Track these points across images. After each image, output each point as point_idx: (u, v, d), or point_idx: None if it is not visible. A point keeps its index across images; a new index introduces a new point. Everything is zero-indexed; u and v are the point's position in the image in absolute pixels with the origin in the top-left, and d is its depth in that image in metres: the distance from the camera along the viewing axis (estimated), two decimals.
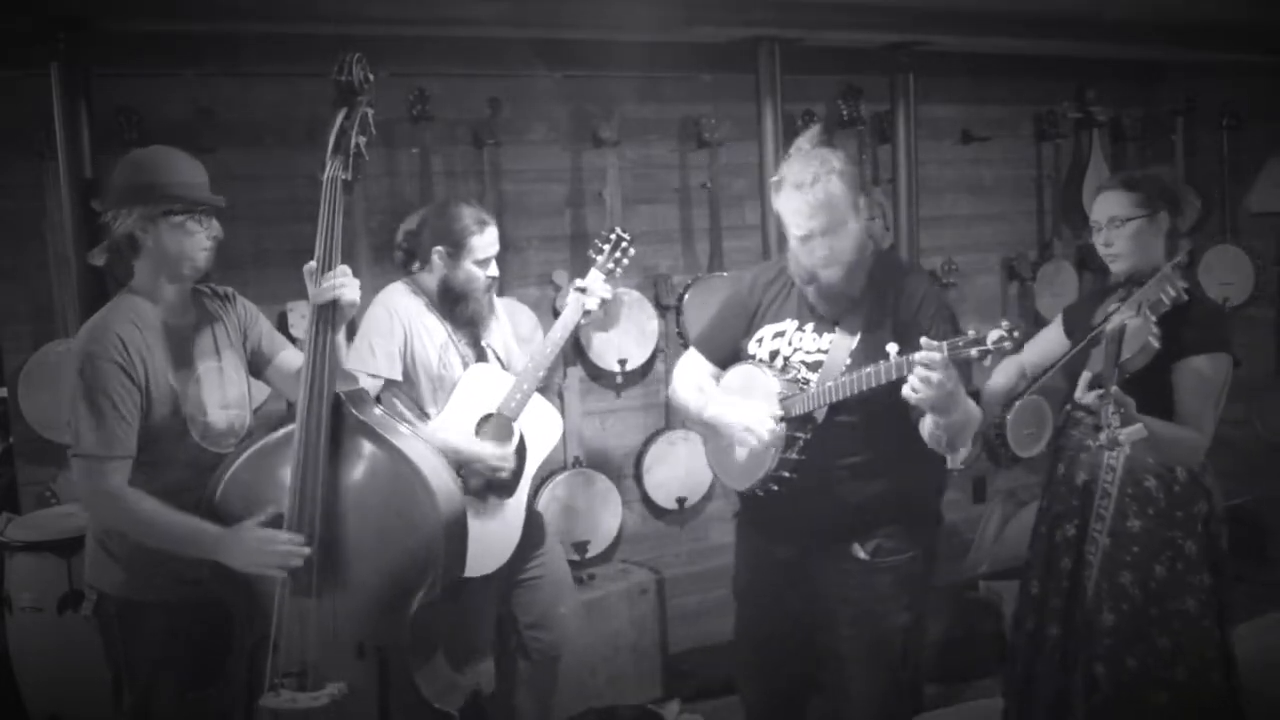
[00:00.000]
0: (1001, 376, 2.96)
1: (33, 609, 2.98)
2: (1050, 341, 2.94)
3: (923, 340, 2.18)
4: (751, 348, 2.67)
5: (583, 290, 3.08)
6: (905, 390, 2.20)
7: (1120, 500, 2.67)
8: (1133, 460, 2.64)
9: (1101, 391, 2.36)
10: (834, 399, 2.43)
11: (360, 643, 2.24)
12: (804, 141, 2.54)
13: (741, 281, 2.81)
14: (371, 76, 2.21)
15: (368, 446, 2.25)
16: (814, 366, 2.55)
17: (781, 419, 2.50)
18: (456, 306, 2.94)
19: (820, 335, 2.58)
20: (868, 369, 2.35)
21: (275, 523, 2.23)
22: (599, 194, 3.94)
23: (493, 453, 2.90)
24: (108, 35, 3.06)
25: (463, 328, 2.98)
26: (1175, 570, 2.64)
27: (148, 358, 2.29)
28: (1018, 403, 2.93)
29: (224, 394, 2.43)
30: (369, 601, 2.23)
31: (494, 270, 2.98)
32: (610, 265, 3.15)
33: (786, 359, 2.60)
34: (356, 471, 2.24)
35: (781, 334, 2.63)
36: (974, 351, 2.15)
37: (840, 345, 2.53)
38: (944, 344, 2.16)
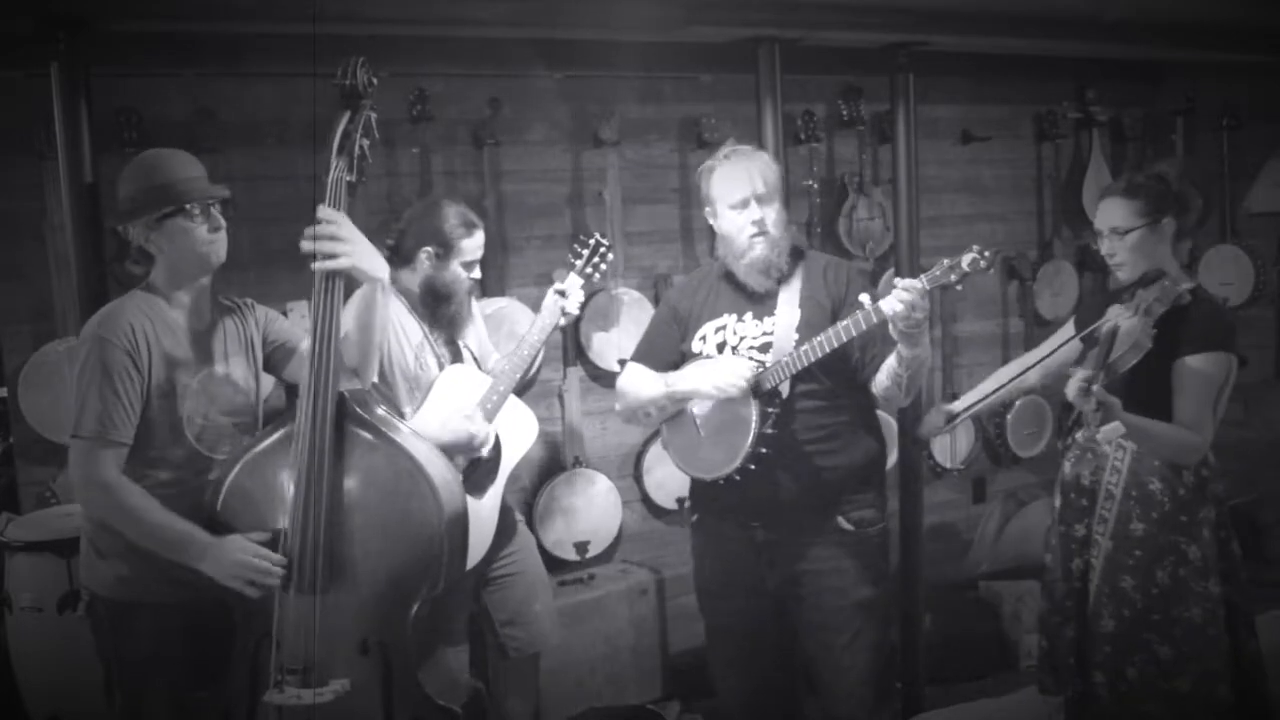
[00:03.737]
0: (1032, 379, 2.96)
1: (33, 609, 2.97)
2: (1066, 342, 2.91)
3: (896, 280, 2.34)
4: (696, 346, 2.77)
5: (561, 294, 3.11)
6: (887, 307, 2.33)
7: (1124, 503, 2.64)
8: (1138, 462, 2.62)
9: (1084, 387, 2.37)
10: (815, 357, 2.52)
11: (364, 639, 2.24)
12: (729, 146, 2.75)
13: (666, 298, 3.02)
14: (375, 80, 2.21)
15: (371, 444, 2.25)
16: (764, 348, 2.65)
17: (756, 384, 2.57)
18: (438, 308, 2.94)
19: (761, 320, 2.69)
20: (844, 321, 2.46)
21: (270, 542, 2.22)
22: (599, 194, 3.94)
23: (462, 416, 2.84)
24: (108, 35, 3.05)
25: (440, 328, 2.97)
26: (1178, 576, 2.60)
27: (153, 350, 2.30)
28: (1018, 402, 2.93)
29: (229, 400, 2.43)
30: (372, 598, 2.23)
31: (477, 273, 2.99)
32: (589, 270, 3.19)
33: (734, 348, 2.70)
34: (360, 469, 2.24)
35: (723, 327, 2.74)
36: (951, 276, 2.35)
37: (783, 323, 2.65)
38: (923, 275, 2.36)
